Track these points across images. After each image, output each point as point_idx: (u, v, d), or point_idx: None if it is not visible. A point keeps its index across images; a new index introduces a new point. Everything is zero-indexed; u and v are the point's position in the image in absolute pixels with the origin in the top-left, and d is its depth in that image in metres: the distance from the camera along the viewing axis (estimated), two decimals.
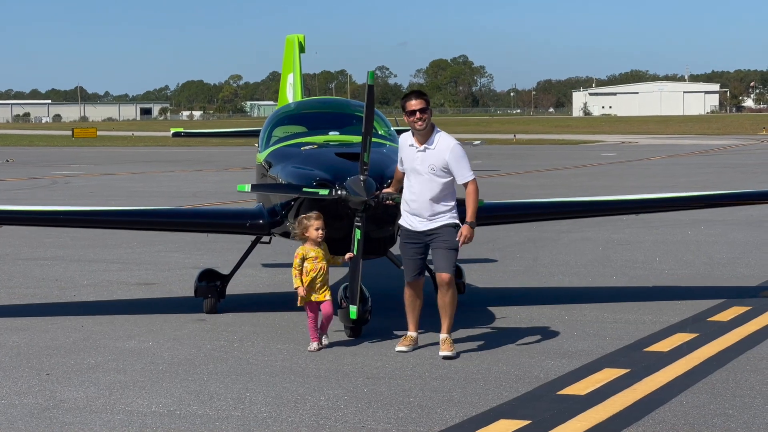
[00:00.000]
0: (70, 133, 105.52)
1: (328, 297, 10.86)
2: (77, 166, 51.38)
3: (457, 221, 10.46)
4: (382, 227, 11.28)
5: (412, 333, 10.75)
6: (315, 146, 12.28)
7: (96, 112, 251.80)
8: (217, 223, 13.67)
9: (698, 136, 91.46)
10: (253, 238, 13.26)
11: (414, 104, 10.53)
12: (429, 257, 10.76)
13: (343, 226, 10.95)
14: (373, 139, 12.17)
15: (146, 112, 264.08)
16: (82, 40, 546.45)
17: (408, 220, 10.60)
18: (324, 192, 10.87)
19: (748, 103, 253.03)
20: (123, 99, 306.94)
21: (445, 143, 10.51)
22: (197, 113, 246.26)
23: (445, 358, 10.22)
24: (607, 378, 9.48)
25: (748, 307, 12.96)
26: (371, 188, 10.71)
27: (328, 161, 11.51)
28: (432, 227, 10.47)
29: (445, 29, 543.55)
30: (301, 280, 10.80)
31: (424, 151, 10.51)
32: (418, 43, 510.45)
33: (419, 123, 10.49)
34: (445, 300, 10.45)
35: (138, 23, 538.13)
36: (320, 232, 10.84)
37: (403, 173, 10.72)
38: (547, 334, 11.49)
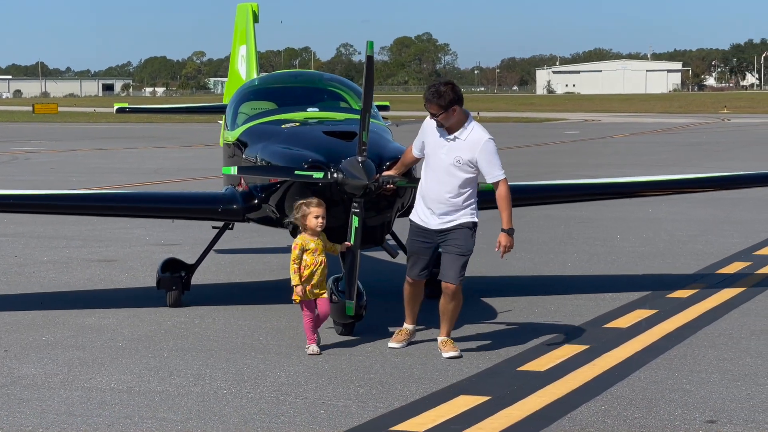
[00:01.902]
0: (30, 108, 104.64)
1: (325, 296, 9.81)
2: (38, 142, 51.00)
3: (476, 220, 9.53)
4: (381, 213, 10.21)
5: (408, 326, 9.87)
6: (297, 124, 11.28)
7: (57, 88, 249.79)
8: (186, 208, 12.44)
9: (660, 114, 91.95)
10: (222, 223, 12.29)
11: (431, 108, 9.40)
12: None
13: (338, 213, 9.91)
14: (355, 116, 11.51)
15: (108, 88, 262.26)
16: (44, 15, 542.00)
17: (421, 215, 9.57)
18: (318, 175, 9.80)
19: (710, 81, 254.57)
20: (85, 75, 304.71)
21: (476, 136, 9.40)
22: (160, 90, 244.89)
23: (451, 358, 9.40)
24: (566, 354, 9.54)
25: (707, 284, 13.07)
26: (371, 171, 9.68)
27: (319, 141, 10.45)
28: (446, 227, 9.46)
29: (408, 6, 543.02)
30: (300, 276, 9.70)
31: (453, 140, 9.41)
32: (381, 21, 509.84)
33: (439, 123, 9.45)
34: (447, 307, 9.59)
35: None
36: (320, 220, 9.70)
37: (416, 158, 9.73)
38: (507, 310, 11.53)
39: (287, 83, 13.51)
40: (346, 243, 9.80)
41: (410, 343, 9.85)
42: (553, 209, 20.30)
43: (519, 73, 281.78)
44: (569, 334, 10.41)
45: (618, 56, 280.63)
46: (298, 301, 9.71)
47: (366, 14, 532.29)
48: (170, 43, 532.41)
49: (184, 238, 17.05)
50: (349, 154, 9.84)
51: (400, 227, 10.82)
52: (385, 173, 9.85)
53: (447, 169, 9.41)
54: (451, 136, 9.44)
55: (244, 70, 16.95)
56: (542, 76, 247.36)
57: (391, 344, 9.79)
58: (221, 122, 14.10)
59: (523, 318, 11.19)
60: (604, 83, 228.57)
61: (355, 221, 9.71)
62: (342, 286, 9.95)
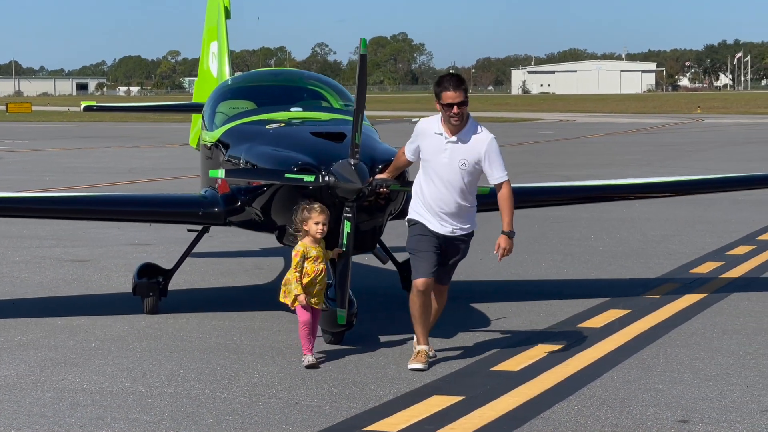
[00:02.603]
0: (3, 108, 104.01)
1: (322, 306, 9.40)
2: (11, 142, 50.72)
3: (475, 227, 9.26)
4: (373, 218, 9.85)
5: (423, 347, 9.15)
6: (282, 124, 10.92)
7: (31, 87, 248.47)
8: (165, 211, 11.90)
9: (635, 114, 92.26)
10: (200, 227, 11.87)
11: (452, 96, 8.92)
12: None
13: (331, 217, 9.49)
14: (340, 116, 11.38)
15: (83, 87, 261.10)
16: (17, 13, 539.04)
17: (428, 218, 9.11)
18: (309, 178, 9.36)
19: (684, 82, 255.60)
20: (59, 74, 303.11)
21: (480, 136, 9.05)
22: (134, 89, 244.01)
23: (414, 370, 9.01)
24: (540, 354, 9.55)
25: (680, 284, 13.12)
26: (364, 174, 9.28)
27: (308, 142, 10.03)
28: (453, 235, 9.09)
29: (384, 6, 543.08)
30: (302, 284, 9.26)
31: (456, 143, 8.99)
32: (357, 20, 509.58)
33: (456, 119, 8.97)
34: (434, 306, 9.32)
35: None
36: (320, 227, 9.24)
37: (409, 162, 9.36)
38: (481, 310, 11.54)
39: (267, 82, 13.16)
40: (337, 249, 9.39)
41: (381, 345, 9.55)
42: (528, 209, 20.32)
43: (494, 73, 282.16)
44: (542, 334, 10.43)
45: (593, 57, 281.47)
46: (294, 306, 9.31)
47: (341, 14, 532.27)
48: (145, 43, 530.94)
49: (158, 238, 17.00)
50: (340, 156, 9.46)
51: (386, 233, 10.69)
52: (378, 176, 9.47)
53: (452, 173, 8.99)
54: (453, 138, 9.02)
55: (215, 67, 16.39)
56: (517, 76, 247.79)
57: (414, 365, 9.01)
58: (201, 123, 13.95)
59: (495, 317, 11.20)
60: (578, 83, 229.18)
61: (347, 226, 9.28)
62: (332, 293, 9.54)
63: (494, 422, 7.65)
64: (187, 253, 11.91)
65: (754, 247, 16.26)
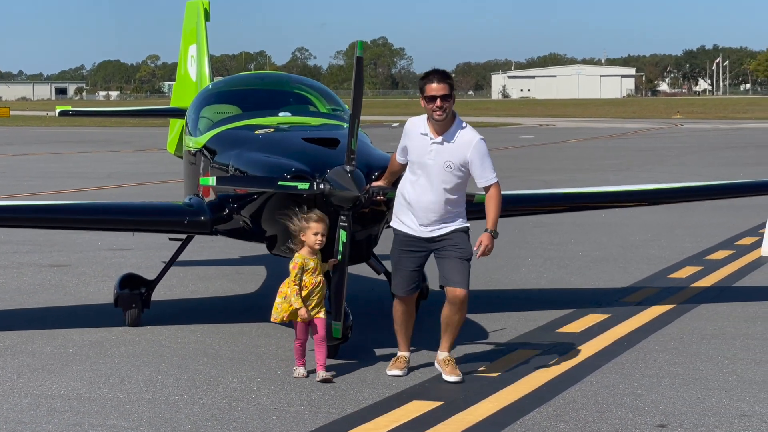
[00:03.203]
0: None
1: (322, 315, 8.99)
2: None
3: (468, 225, 8.91)
4: (369, 227, 9.53)
5: (404, 353, 9.06)
6: (271, 130, 10.56)
7: (9, 92, 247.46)
8: (150, 220, 11.40)
9: (614, 119, 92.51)
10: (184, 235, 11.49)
11: (435, 89, 8.67)
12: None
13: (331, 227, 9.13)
14: (330, 121, 11.07)
15: (61, 92, 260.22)
16: None
17: (408, 224, 8.83)
18: (303, 186, 9.01)
19: (663, 87, 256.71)
20: (37, 78, 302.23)
21: (467, 137, 8.74)
22: (114, 93, 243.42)
23: (453, 383, 8.70)
24: (519, 359, 9.56)
25: (658, 289, 13.16)
26: (361, 182, 8.94)
27: (300, 148, 9.68)
28: (441, 233, 8.78)
29: (364, 11, 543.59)
30: (301, 297, 8.89)
31: (441, 143, 8.72)
32: (337, 25, 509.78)
33: (439, 113, 8.67)
34: (453, 318, 8.84)
35: (53, 0, 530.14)
36: (319, 237, 8.89)
37: (402, 165, 9.01)
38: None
39: (253, 86, 12.83)
40: (333, 260, 9.04)
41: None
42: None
43: (474, 77, 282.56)
44: (521, 339, 10.43)
45: (573, 61, 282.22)
46: (294, 320, 8.93)
47: (322, 18, 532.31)
48: (124, 47, 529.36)
49: (137, 243, 16.93)
50: (334, 163, 9.11)
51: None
52: (375, 184, 9.15)
53: (436, 174, 8.70)
54: (438, 139, 8.74)
55: (194, 71, 15.93)
56: (497, 80, 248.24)
57: (393, 372, 8.94)
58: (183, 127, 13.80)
59: (475, 322, 11.20)
60: (558, 88, 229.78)
61: (342, 236, 8.92)
62: (326, 305, 9.20)
63: (473, 427, 7.64)
64: (171, 263, 11.49)
65: (732, 251, 16.32)
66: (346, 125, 10.69)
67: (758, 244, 16.43)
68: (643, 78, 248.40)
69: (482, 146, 8.74)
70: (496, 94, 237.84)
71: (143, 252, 16.05)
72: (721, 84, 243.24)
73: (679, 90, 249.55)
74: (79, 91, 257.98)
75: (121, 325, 11.07)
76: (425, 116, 8.86)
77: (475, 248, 8.74)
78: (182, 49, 16.40)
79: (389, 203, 9.21)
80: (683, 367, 9.30)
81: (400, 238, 8.90)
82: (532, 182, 27.82)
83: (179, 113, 14.79)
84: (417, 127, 8.87)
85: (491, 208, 8.77)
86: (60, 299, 12.65)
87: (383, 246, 9.83)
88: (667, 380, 8.84)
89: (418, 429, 7.59)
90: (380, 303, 11.92)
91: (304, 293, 8.88)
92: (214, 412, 7.98)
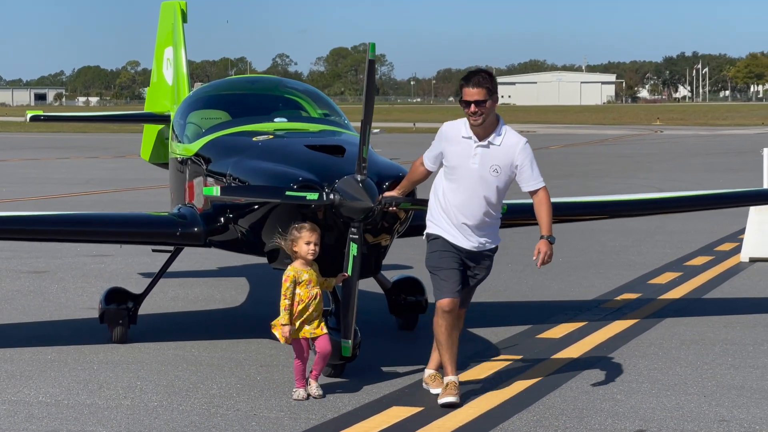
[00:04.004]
0: None
1: (324, 330, 8.57)
2: None
3: (499, 242, 8.57)
4: (379, 239, 8.98)
5: (453, 378, 8.32)
6: (270, 136, 10.05)
7: None
8: (140, 232, 10.81)
9: (595, 125, 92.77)
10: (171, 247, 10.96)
11: (470, 93, 8.21)
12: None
13: (330, 240, 8.72)
14: (329, 128, 10.70)
15: (41, 97, 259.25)
16: None
17: (450, 231, 8.35)
18: (312, 196, 8.53)
19: (643, 93, 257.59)
20: (17, 84, 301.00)
21: (513, 139, 8.33)
22: (94, 99, 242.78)
23: (447, 405, 8.21)
24: (499, 365, 9.56)
25: (639, 294, 13.19)
26: (373, 192, 8.51)
27: (305, 156, 9.17)
28: (479, 250, 8.39)
29: (345, 17, 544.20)
30: (291, 313, 8.48)
31: (487, 146, 8.25)
32: (318, 31, 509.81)
33: (473, 118, 8.23)
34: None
35: (32, 5, 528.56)
36: (312, 247, 8.48)
37: (428, 172, 8.55)
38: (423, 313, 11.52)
39: (244, 90, 12.29)
40: (343, 274, 8.61)
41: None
42: None
43: (455, 84, 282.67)
44: (501, 345, 10.44)
45: (553, 68, 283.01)
46: (284, 341, 8.54)
47: (302, 24, 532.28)
48: (104, 53, 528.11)
49: (116, 249, 16.86)
50: (343, 171, 8.64)
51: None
52: (387, 194, 8.62)
53: (481, 180, 8.25)
54: (483, 142, 8.26)
55: (170, 74, 15.15)
56: None
57: (448, 399, 8.21)
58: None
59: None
60: (539, 95, 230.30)
61: (353, 249, 8.48)
62: (333, 322, 8.88)
63: None
64: (159, 275, 10.95)
65: (712, 257, 16.37)
66: (345, 131, 10.55)
67: (737, 250, 16.49)
68: (624, 84, 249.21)
69: (529, 149, 8.37)
70: None
71: (123, 258, 15.99)
72: (700, 91, 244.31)
73: (659, 96, 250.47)
74: (58, 96, 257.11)
75: (100, 331, 11.02)
76: (465, 119, 8.39)
77: (534, 257, 8.31)
78: (157, 52, 15.79)
79: (400, 213, 8.79)
80: (662, 372, 9.32)
81: (440, 242, 8.38)
82: (512, 189, 27.77)
83: (154, 119, 14.45)
84: (458, 131, 8.35)
85: (543, 212, 8.37)
86: (39, 305, 12.59)
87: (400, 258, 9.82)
88: (647, 386, 8.85)
89: None
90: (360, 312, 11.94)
91: (300, 307, 8.47)
92: (193, 419, 7.95)
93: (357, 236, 8.50)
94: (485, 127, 8.28)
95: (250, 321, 11.78)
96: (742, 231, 16.56)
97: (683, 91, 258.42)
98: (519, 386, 8.82)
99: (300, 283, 8.51)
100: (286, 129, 10.47)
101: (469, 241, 8.34)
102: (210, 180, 10.11)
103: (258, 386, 8.86)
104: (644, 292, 13.39)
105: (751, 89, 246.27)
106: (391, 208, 8.60)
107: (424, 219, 8.60)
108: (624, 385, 8.88)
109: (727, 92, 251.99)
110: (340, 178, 8.59)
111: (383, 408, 8.20)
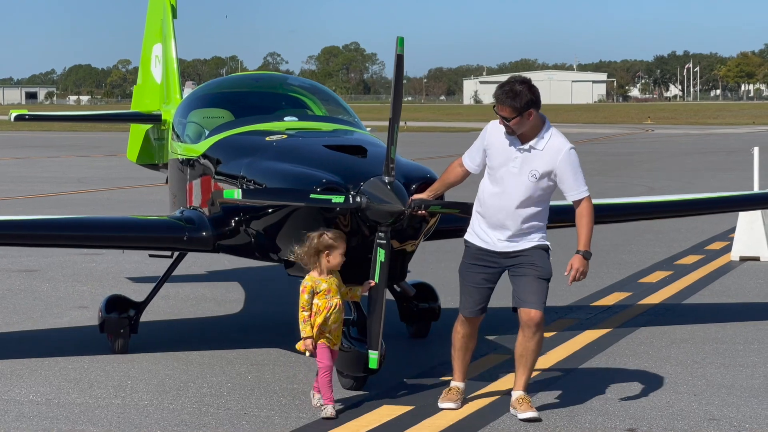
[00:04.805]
0: None
1: (336, 347, 8.18)
2: None
3: (548, 244, 8.20)
4: (405, 245, 8.49)
5: (459, 384, 8.22)
6: (283, 136, 9.53)
7: None
8: (145, 237, 10.22)
9: (586, 124, 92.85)
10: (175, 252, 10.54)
11: (500, 109, 7.85)
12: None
13: (357, 246, 8.25)
14: (343, 127, 10.26)
15: (32, 96, 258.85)
16: None
17: (483, 236, 8.00)
18: (338, 199, 8.05)
19: (634, 92, 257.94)
20: (7, 83, 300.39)
21: (556, 144, 7.88)
22: (85, 98, 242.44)
23: (529, 420, 7.84)
24: (489, 364, 9.58)
25: (629, 293, 13.21)
26: (403, 194, 8.06)
27: (326, 157, 8.71)
28: (519, 248, 7.98)
29: (336, 16, 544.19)
30: (311, 326, 8.04)
31: (529, 150, 7.86)
32: (309, 30, 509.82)
33: (508, 130, 7.89)
34: (528, 346, 8.01)
35: (23, 3, 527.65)
36: (341, 259, 8.05)
37: (466, 174, 8.20)
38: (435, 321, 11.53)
39: (248, 88, 11.74)
40: (370, 282, 8.14)
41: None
42: None
43: (446, 83, 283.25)
44: (491, 344, 10.45)
45: (544, 67, 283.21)
46: (309, 354, 8.11)
47: (293, 23, 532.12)
48: (95, 51, 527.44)
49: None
50: (367, 173, 8.22)
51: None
52: (416, 197, 8.16)
53: (519, 184, 7.87)
54: (526, 146, 7.87)
55: (159, 72, 14.45)
56: (469, 86, 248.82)
57: (445, 404, 8.13)
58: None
59: (445, 328, 11.19)
60: None
61: (380, 255, 8.01)
62: (354, 332, 8.51)
63: (444, 431, 7.64)
64: (162, 282, 10.51)
65: (702, 256, 16.41)
66: (358, 130, 10.17)
67: (728, 249, 16.52)
68: (615, 83, 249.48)
69: (573, 156, 7.89)
70: (468, 99, 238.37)
71: (114, 257, 15.96)
72: (691, 90, 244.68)
73: (650, 95, 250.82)
74: (49, 95, 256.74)
75: (89, 329, 11.00)
76: None
77: (565, 273, 7.99)
78: (144, 49, 15.12)
79: (429, 217, 8.34)
80: (653, 371, 9.34)
81: (472, 251, 8.05)
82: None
83: (142, 118, 14.00)
84: (502, 131, 7.95)
85: (583, 225, 8.05)
86: (29, 304, 12.58)
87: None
88: (637, 384, 8.87)
89: None
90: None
91: (318, 319, 7.99)
92: (183, 417, 7.96)
93: (385, 241, 8.01)
94: (527, 131, 7.86)
95: (241, 319, 11.78)
96: (733, 230, 16.60)
97: (674, 90, 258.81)
98: (508, 384, 8.80)
99: (318, 293, 8.02)
100: (297, 128, 9.97)
101: (504, 244, 7.96)
102: (219, 181, 9.66)
103: (249, 385, 8.86)
104: (635, 291, 13.41)
105: (742, 88, 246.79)
106: (420, 212, 8.12)
107: (450, 222, 8.39)
108: (614, 383, 8.90)
109: (718, 91, 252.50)
110: (366, 180, 8.14)
111: (374, 407, 8.21)
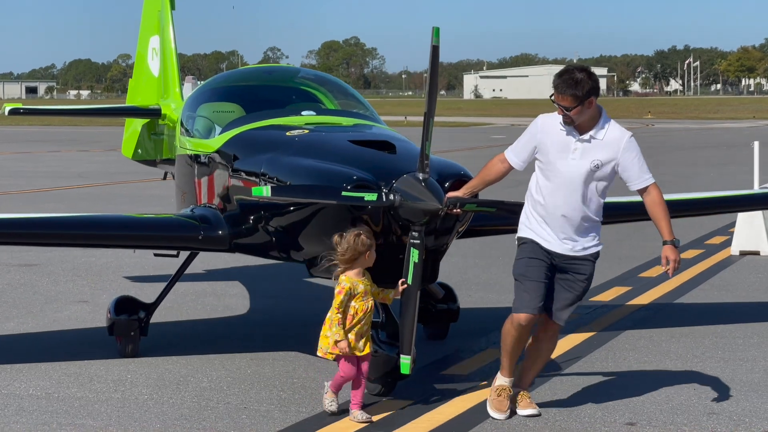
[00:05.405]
0: None
1: (369, 350, 7.85)
2: None
3: (601, 247, 7.91)
4: (438, 244, 8.14)
5: (506, 380, 7.87)
6: (305, 131, 9.15)
7: None
8: (158, 236, 9.79)
9: None
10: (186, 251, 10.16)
11: (559, 98, 7.56)
12: None
13: (386, 247, 7.92)
14: (363, 122, 9.88)
15: (32, 91, 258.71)
16: None
17: (542, 233, 7.68)
18: (371, 197, 7.70)
19: (635, 87, 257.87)
20: (7, 77, 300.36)
21: (616, 133, 7.64)
22: (85, 92, 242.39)
23: (529, 417, 7.80)
24: (489, 358, 9.58)
25: (629, 288, 13.20)
26: (438, 192, 7.76)
27: (354, 153, 8.36)
28: (577, 254, 7.70)
29: (336, 11, 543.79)
30: (345, 329, 7.71)
31: (588, 141, 7.57)
32: (309, 24, 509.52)
33: (565, 118, 7.62)
34: (543, 347, 7.99)
35: None
36: (373, 254, 7.74)
37: (508, 170, 7.85)
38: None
39: (258, 81, 11.39)
40: (403, 281, 7.77)
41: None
42: None
43: (446, 77, 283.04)
44: (491, 338, 10.44)
45: (544, 61, 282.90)
46: (333, 355, 7.78)
47: (293, 17, 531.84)
48: (95, 46, 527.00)
49: None
50: (398, 170, 7.91)
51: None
52: (451, 194, 7.84)
53: (582, 176, 7.58)
54: (585, 136, 7.59)
55: (156, 65, 13.93)
56: (469, 80, 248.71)
57: (497, 415, 7.77)
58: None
59: (456, 326, 11.19)
60: (530, 88, 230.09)
61: (414, 255, 7.68)
62: (383, 335, 8.18)
63: (443, 426, 7.65)
64: (173, 283, 10.18)
65: (702, 251, 16.40)
66: (378, 125, 9.86)
67: (728, 243, 16.52)
68: (615, 78, 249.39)
69: (634, 143, 7.69)
70: (468, 93, 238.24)
71: (113, 251, 15.94)
72: (692, 84, 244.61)
73: (651, 90, 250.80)
74: (49, 90, 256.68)
75: (91, 324, 11.01)
76: None
77: (663, 266, 7.85)
78: (141, 41, 14.59)
79: (462, 216, 8.01)
80: (652, 365, 9.35)
81: (530, 247, 7.70)
82: (507, 181, 27.76)
83: (141, 112, 13.65)
84: (556, 123, 7.66)
85: (660, 213, 7.82)
86: (29, 298, 12.57)
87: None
88: (637, 378, 8.87)
89: (388, 428, 7.59)
90: None
91: (353, 321, 7.69)
92: (183, 412, 7.96)
93: (419, 241, 7.69)
94: (586, 121, 7.60)
95: (240, 314, 11.78)
96: (733, 224, 16.60)
97: (675, 84, 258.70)
98: None
99: (356, 295, 7.71)
100: (317, 123, 9.59)
101: (565, 245, 7.65)
102: (237, 179, 9.22)
103: (248, 379, 8.86)
104: (634, 285, 13.41)
105: (743, 83, 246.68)
106: (455, 210, 7.81)
107: (480, 221, 8.18)
108: (614, 378, 8.90)
109: (719, 86, 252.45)
110: (398, 177, 7.83)
111: (373, 401, 8.20)
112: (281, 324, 11.27)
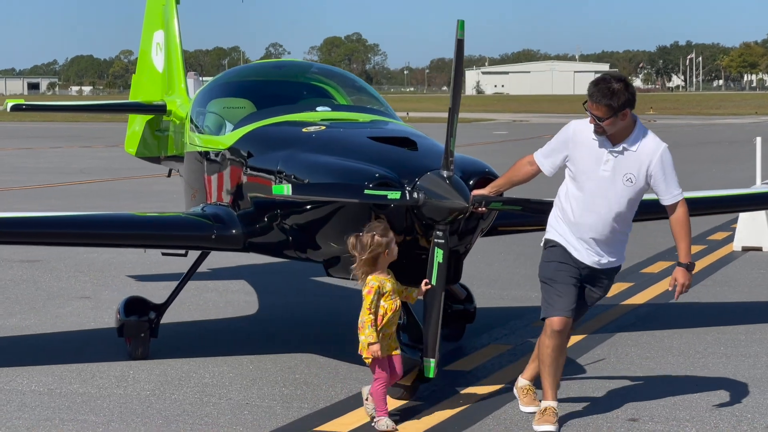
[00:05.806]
0: None
1: (398, 350, 7.61)
2: None
3: (624, 260, 7.72)
4: (462, 243, 7.98)
5: (551, 403, 7.47)
6: (322, 127, 8.90)
7: None
8: (170, 235, 9.55)
9: None
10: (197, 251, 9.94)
11: (591, 107, 7.30)
12: None
13: (408, 247, 7.73)
14: (380, 118, 9.63)
15: (34, 86, 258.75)
16: None
17: (572, 242, 7.42)
18: (394, 195, 7.49)
19: (637, 83, 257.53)
20: (9, 73, 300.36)
21: (650, 144, 7.35)
22: (87, 88, 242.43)
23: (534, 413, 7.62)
24: (491, 354, 9.58)
25: (631, 283, 13.20)
26: (463, 190, 7.54)
27: (374, 150, 8.14)
28: (603, 267, 7.49)
29: (338, 6, 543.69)
30: (377, 330, 7.43)
31: (621, 152, 7.30)
32: (311, 20, 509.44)
33: (597, 128, 7.33)
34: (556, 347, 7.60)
35: None
36: (395, 249, 7.51)
37: (535, 174, 7.60)
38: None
39: (267, 76, 11.06)
40: (427, 282, 7.57)
41: (332, 344, 8.10)
42: None
43: (448, 73, 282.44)
44: (494, 334, 10.45)
45: (546, 57, 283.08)
46: (370, 361, 7.50)
47: (295, 14, 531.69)
48: (97, 42, 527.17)
49: None
50: (422, 167, 7.72)
51: None
52: (476, 192, 7.61)
53: (614, 189, 7.31)
54: (618, 147, 7.30)
55: (160, 60, 13.63)
56: (471, 76, 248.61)
57: (542, 427, 7.39)
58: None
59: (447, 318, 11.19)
60: (532, 84, 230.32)
61: (438, 255, 7.48)
62: (405, 338, 7.94)
63: (445, 422, 7.65)
64: (183, 282, 10.01)
65: (704, 246, 16.40)
66: (394, 121, 9.65)
67: (730, 239, 16.52)
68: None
69: (668, 156, 7.39)
70: (470, 89, 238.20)
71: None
72: (694, 80, 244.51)
73: (653, 86, 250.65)
74: (51, 86, 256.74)
75: (93, 321, 11.02)
76: None
77: (669, 287, 7.61)
78: (145, 36, 14.26)
79: (485, 214, 7.84)
80: (655, 361, 9.35)
81: (560, 251, 7.45)
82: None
83: (145, 108, 13.46)
84: (588, 132, 7.38)
85: (682, 233, 7.52)
86: (31, 294, 12.58)
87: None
88: (639, 374, 8.87)
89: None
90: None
91: (384, 321, 7.45)
92: (185, 407, 7.96)
93: (443, 240, 7.49)
94: (619, 131, 7.31)
95: (243, 310, 11.78)
96: (735, 220, 16.59)
97: (677, 80, 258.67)
98: (511, 375, 8.81)
99: (384, 294, 7.48)
100: (333, 119, 9.36)
101: (591, 258, 7.42)
102: (251, 176, 9.00)
103: (250, 375, 8.87)
104: (637, 281, 13.41)
105: (745, 78, 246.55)
106: (480, 209, 7.60)
107: (504, 219, 8.02)
108: (616, 373, 8.90)
109: (721, 81, 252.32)
110: (422, 175, 7.64)
111: None
112: (283, 320, 11.28)
